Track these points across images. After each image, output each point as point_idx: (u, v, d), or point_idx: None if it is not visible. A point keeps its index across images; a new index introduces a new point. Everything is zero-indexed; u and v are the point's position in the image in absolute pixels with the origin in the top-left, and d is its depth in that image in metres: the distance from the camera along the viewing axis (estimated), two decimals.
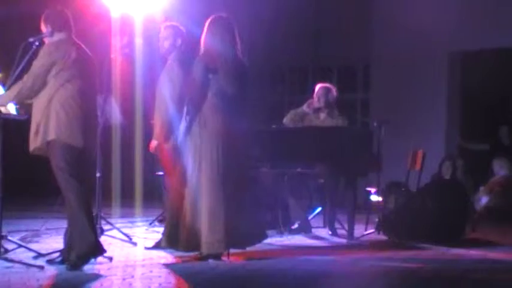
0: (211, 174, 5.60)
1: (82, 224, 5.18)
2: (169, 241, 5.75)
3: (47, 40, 5.37)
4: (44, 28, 5.39)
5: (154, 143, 6.38)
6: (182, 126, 5.72)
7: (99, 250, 5.29)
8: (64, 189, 5.22)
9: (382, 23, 11.62)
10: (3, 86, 5.54)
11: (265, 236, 5.93)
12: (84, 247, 5.16)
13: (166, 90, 6.26)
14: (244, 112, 5.87)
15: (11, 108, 5.56)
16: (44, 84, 5.22)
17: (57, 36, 5.34)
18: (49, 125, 5.20)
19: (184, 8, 7.54)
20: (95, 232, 5.35)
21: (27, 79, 5.23)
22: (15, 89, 5.28)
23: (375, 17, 11.81)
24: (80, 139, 5.24)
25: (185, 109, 5.72)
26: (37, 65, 5.22)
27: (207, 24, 5.77)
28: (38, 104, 5.27)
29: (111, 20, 7.29)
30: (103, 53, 6.48)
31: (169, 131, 6.23)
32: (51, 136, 5.21)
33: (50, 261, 5.40)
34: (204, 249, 5.60)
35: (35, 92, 5.24)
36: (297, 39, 12.58)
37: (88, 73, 5.37)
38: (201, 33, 5.81)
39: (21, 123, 5.66)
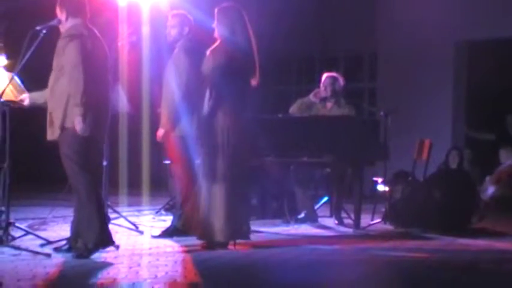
0: (224, 162, 5.63)
1: (89, 213, 5.17)
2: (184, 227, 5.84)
3: (61, 28, 5.31)
4: (59, 13, 5.30)
5: (161, 132, 6.38)
6: (204, 111, 5.69)
7: (107, 240, 5.28)
8: (71, 178, 5.21)
9: (389, 12, 11.57)
10: (17, 74, 5.54)
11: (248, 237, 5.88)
12: (92, 237, 5.15)
13: (173, 79, 6.26)
14: (251, 102, 5.90)
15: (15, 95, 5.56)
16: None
17: (71, 22, 5.27)
18: (58, 112, 5.19)
19: None
20: (104, 221, 5.33)
21: (77, 74, 5.08)
22: (73, 92, 5.09)
23: (381, 6, 11.77)
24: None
25: (207, 94, 5.69)
26: (72, 60, 5.12)
27: (216, 14, 5.77)
28: (50, 92, 5.26)
29: (118, 8, 7.28)
30: (110, 41, 6.47)
31: (176, 120, 6.23)
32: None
33: (57, 249, 5.41)
34: (220, 237, 5.63)
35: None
36: (304, 29, 12.54)
37: (101, 60, 5.34)
38: (209, 22, 5.82)
39: (28, 111, 5.67)
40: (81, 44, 5.13)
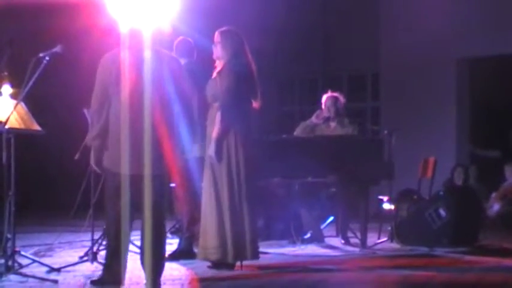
0: (233, 183, 5.63)
1: (109, 255, 5.07)
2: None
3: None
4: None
5: None
6: (214, 135, 5.68)
7: (112, 280, 5.05)
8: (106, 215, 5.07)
9: (390, 31, 11.63)
10: (22, 102, 5.57)
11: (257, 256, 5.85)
12: (106, 275, 5.05)
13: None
14: (254, 123, 5.92)
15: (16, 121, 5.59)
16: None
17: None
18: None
19: (192, 20, 7.57)
20: (116, 260, 5.04)
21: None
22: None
23: (383, 25, 11.83)
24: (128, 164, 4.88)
25: (218, 116, 5.69)
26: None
27: (219, 36, 5.79)
28: None
29: (119, 34, 7.31)
30: None
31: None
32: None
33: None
34: (228, 259, 5.61)
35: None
36: (306, 49, 12.60)
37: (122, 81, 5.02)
38: (208, 45, 5.84)
39: (33, 138, 5.69)
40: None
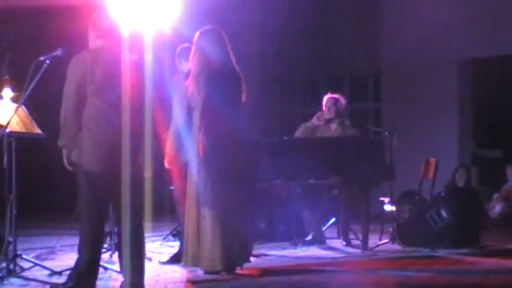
0: (214, 186, 5.58)
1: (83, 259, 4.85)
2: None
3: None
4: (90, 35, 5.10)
5: (168, 158, 6.40)
6: (198, 143, 5.65)
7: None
8: (80, 215, 4.89)
9: (392, 32, 11.63)
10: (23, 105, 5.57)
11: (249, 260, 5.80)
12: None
13: (177, 105, 6.28)
14: (242, 120, 5.86)
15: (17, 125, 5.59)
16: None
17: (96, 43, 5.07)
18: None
19: (193, 22, 7.58)
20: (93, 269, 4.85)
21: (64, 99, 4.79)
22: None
23: (384, 26, 11.83)
24: (102, 164, 4.76)
25: (201, 125, 5.63)
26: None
27: (196, 39, 5.76)
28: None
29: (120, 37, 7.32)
30: None
31: (180, 145, 6.25)
32: (74, 158, 4.82)
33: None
34: (206, 267, 5.58)
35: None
36: (307, 51, 12.61)
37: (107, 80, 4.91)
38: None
39: (34, 141, 5.69)
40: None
